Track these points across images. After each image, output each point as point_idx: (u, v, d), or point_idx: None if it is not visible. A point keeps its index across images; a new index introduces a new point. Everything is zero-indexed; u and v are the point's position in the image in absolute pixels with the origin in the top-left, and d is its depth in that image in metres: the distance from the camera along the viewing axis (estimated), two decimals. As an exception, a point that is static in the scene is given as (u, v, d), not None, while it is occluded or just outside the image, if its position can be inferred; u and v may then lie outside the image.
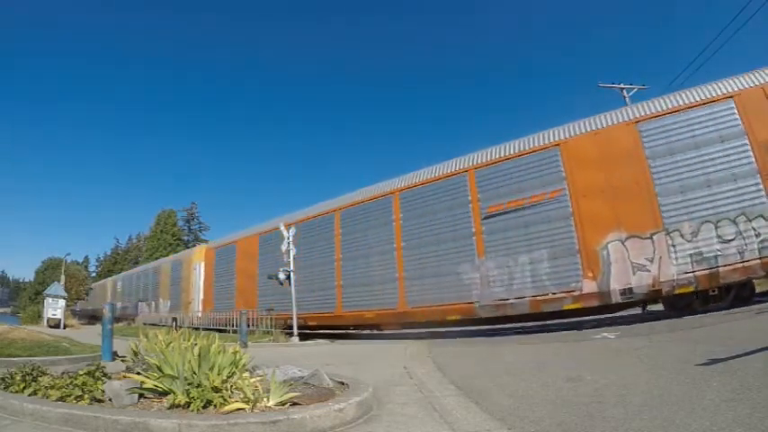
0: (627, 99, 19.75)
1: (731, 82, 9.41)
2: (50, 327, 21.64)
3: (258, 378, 3.76)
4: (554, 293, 10.16)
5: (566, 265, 10.16)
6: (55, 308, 23.71)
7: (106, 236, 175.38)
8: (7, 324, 12.98)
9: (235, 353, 3.89)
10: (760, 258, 8.49)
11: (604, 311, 10.90)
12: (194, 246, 40.61)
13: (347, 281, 14.09)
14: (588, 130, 10.63)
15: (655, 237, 9.37)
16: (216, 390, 3.36)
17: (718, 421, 2.63)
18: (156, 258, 39.48)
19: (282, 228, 14.46)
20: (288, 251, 14.11)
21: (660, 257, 9.27)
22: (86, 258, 78.07)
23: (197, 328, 10.94)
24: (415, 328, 13.19)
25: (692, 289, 9.05)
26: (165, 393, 3.45)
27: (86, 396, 3.54)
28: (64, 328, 22.32)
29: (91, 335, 14.53)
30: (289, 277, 13.90)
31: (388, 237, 13.26)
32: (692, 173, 9.26)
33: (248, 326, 12.97)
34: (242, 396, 3.29)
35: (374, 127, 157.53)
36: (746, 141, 8.92)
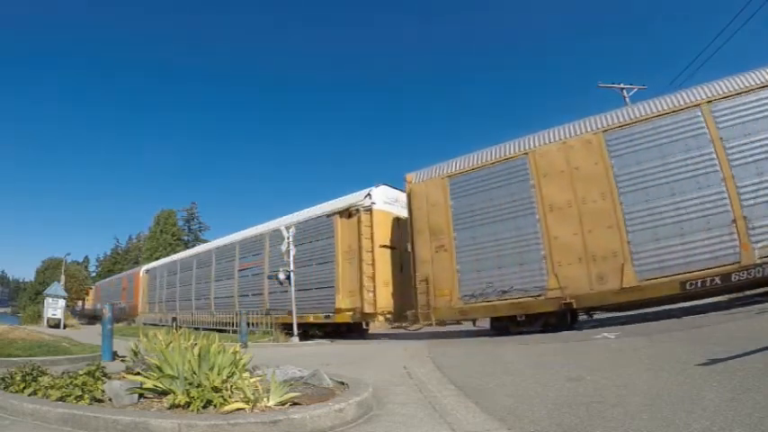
0: (627, 99, 19.67)
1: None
2: (50, 327, 21.62)
3: (258, 378, 3.76)
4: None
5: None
6: (55, 308, 23.70)
7: (106, 236, 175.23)
8: (7, 324, 13.01)
9: (235, 353, 3.89)
10: None
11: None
12: (194, 245, 42.20)
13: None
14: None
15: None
16: (216, 390, 3.36)
17: (718, 421, 2.63)
18: (156, 258, 39.95)
19: (283, 229, 14.67)
20: (288, 251, 14.20)
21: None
22: (86, 258, 78.12)
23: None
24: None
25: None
26: (165, 393, 3.45)
27: (86, 396, 3.53)
28: (64, 328, 22.31)
29: (91, 335, 14.54)
30: (289, 277, 14.03)
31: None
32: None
33: (248, 325, 13.01)
34: (242, 396, 3.29)
35: (375, 126, 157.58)
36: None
